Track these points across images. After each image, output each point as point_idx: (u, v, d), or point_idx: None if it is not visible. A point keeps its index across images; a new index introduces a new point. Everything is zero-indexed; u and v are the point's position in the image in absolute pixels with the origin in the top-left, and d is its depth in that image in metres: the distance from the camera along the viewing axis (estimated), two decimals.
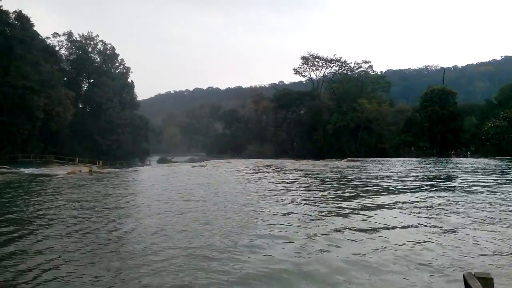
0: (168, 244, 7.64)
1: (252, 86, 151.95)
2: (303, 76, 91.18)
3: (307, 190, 16.53)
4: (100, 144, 67.24)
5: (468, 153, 63.53)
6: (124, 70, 75.62)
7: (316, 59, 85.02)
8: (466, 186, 17.53)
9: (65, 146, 61.71)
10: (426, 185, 18.61)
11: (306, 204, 12.53)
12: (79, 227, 9.59)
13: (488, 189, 16.42)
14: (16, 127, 51.51)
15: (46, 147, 58.11)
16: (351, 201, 13.04)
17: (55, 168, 43.70)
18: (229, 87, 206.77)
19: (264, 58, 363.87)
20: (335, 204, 12.41)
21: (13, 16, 52.16)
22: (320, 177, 23.27)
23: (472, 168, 29.95)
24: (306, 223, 9.48)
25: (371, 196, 14.33)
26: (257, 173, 27.08)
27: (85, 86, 71.86)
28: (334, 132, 74.44)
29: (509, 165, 33.46)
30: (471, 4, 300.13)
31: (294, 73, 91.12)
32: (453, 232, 8.65)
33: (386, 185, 18.44)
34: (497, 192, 15.38)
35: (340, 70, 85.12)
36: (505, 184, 18.49)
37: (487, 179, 20.97)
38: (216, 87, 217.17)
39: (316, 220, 9.94)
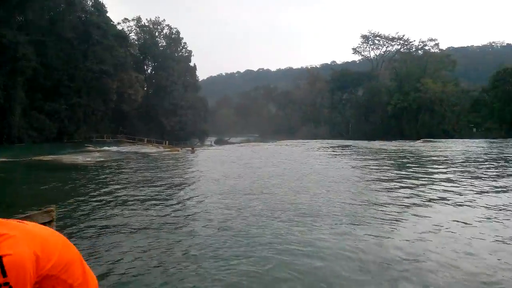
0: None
1: (303, 67, 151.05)
2: (362, 55, 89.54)
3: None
4: (164, 125, 70.20)
5: None
6: (187, 54, 77.84)
7: (377, 38, 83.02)
8: None
9: (132, 126, 65.17)
10: None
11: None
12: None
13: None
14: (92, 108, 55.07)
15: (117, 128, 61.77)
16: None
17: (137, 146, 47.03)
18: (279, 68, 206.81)
19: (315, 38, 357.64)
20: None
21: (90, 3, 55.14)
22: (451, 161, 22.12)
23: None
24: None
25: None
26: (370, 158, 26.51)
27: (149, 70, 74.91)
28: (394, 114, 72.90)
29: None
30: None
31: (353, 53, 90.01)
32: None
33: None
34: None
35: (403, 49, 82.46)
36: None
37: None
38: (267, 68, 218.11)
39: None
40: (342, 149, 32.43)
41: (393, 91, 75.42)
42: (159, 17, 72.47)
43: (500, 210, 8.90)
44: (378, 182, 13.74)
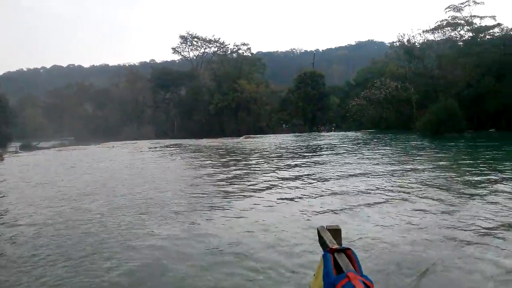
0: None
1: (121, 64, 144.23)
2: (182, 55, 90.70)
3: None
4: None
5: (333, 128, 72.37)
6: None
7: (195, 39, 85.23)
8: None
9: None
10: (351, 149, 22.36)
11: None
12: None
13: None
14: None
15: None
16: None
17: None
18: (93, 65, 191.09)
19: (131, 35, 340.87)
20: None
21: None
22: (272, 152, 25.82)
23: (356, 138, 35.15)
24: None
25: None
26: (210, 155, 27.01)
27: None
28: (216, 112, 76.40)
29: (375, 136, 39.97)
30: None
31: (173, 52, 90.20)
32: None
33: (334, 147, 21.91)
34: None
35: (219, 51, 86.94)
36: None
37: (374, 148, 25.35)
38: (79, 64, 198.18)
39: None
40: (174, 148, 33.55)
41: (213, 90, 78.94)
42: None
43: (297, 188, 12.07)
44: (211, 172, 16.22)
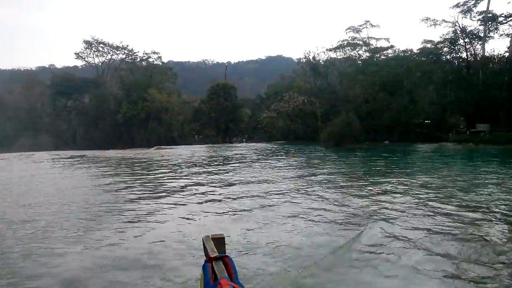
0: None
1: (15, 68, 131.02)
2: (86, 61, 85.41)
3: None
4: None
5: (244, 139, 73.84)
6: None
7: (101, 45, 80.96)
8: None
9: None
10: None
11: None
12: None
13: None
14: None
15: None
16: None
17: None
18: None
19: (26, 37, 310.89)
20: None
21: None
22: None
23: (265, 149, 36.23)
24: None
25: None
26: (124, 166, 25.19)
27: None
28: (124, 122, 73.07)
29: (279, 147, 41.69)
30: (240, 6, 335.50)
31: (76, 58, 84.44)
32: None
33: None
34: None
35: (128, 59, 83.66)
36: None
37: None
38: None
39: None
40: (77, 159, 31.32)
41: (121, 99, 75.42)
42: None
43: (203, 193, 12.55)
44: (116, 182, 15.57)
